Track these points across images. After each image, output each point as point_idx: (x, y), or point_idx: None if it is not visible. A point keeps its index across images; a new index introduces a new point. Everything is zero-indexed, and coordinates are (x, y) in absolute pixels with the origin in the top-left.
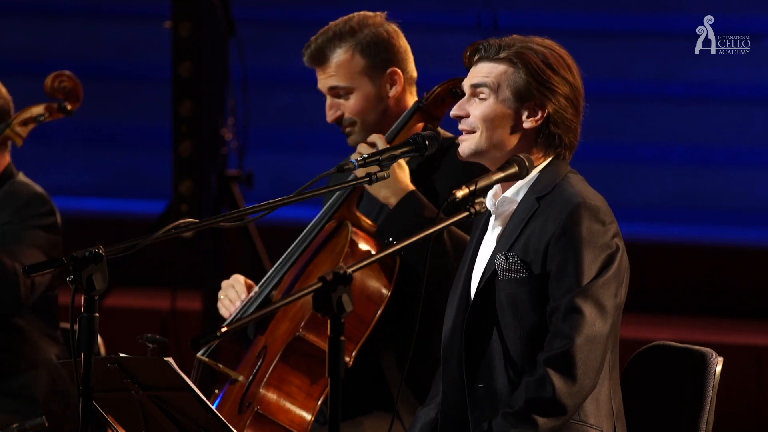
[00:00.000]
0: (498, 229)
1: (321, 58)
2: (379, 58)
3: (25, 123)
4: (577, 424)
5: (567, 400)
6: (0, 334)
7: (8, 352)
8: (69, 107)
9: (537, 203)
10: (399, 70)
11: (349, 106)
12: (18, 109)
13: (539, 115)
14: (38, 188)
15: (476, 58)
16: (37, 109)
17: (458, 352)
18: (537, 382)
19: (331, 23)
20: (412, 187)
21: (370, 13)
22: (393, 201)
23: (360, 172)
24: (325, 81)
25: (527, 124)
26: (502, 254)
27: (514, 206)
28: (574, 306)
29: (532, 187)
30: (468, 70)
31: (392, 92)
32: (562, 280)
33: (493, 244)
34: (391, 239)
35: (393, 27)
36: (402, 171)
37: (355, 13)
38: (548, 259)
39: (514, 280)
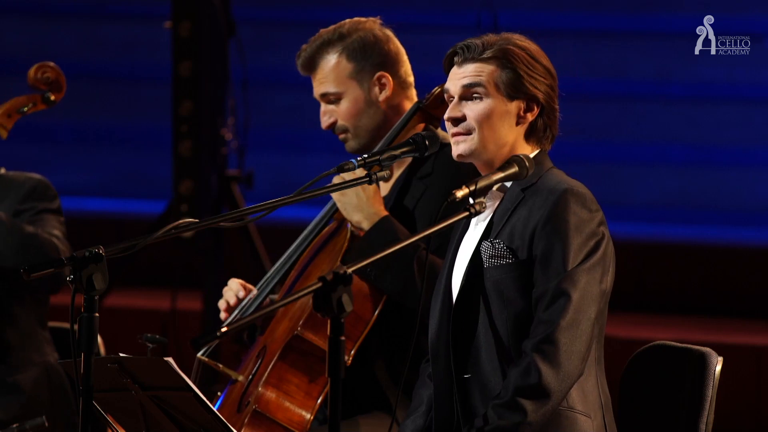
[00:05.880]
0: (482, 224)
1: (312, 65)
2: (366, 62)
3: (8, 115)
4: (566, 411)
5: (553, 385)
6: (3, 327)
7: (10, 347)
8: (52, 98)
9: (522, 194)
10: (388, 74)
11: (341, 111)
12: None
13: (535, 108)
14: (35, 174)
15: (460, 60)
16: (21, 101)
17: (445, 347)
18: (523, 369)
19: (322, 30)
20: (385, 212)
21: (362, 19)
22: (366, 226)
23: (360, 172)
24: (317, 88)
25: (525, 117)
26: (488, 241)
27: (499, 200)
28: (560, 291)
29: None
30: (446, 74)
31: (382, 96)
32: (547, 266)
33: (477, 238)
34: (368, 269)
35: (384, 31)
36: (376, 195)
37: (348, 20)
38: (534, 244)
39: (501, 266)
